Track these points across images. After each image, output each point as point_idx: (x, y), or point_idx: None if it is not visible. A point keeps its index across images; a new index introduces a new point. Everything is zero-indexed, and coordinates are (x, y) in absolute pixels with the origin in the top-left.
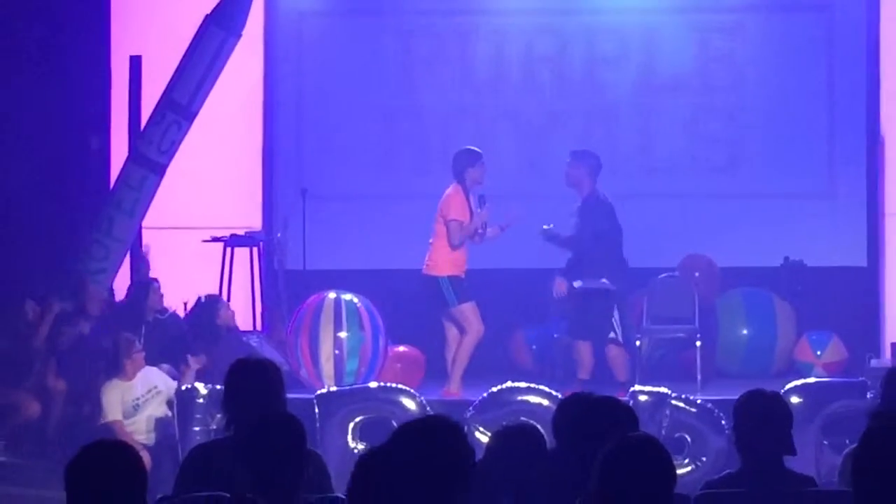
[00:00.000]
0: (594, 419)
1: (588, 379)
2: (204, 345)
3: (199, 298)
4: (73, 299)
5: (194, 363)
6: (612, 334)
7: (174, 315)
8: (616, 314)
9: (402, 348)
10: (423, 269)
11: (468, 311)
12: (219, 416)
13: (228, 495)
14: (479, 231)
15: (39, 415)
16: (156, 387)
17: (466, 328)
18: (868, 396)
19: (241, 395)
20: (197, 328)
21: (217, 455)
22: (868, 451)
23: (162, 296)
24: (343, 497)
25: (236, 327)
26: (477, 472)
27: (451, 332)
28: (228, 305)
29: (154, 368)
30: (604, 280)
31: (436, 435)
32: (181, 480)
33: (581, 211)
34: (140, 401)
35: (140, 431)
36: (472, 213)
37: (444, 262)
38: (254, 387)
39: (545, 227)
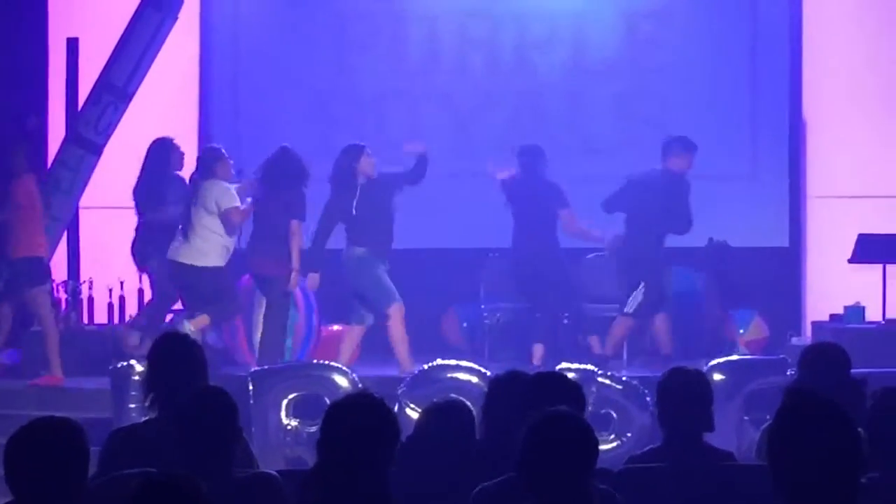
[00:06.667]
0: (525, 395)
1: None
2: None
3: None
4: None
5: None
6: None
7: None
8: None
9: (336, 327)
10: None
11: None
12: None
13: (157, 471)
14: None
15: None
16: None
17: None
18: (788, 374)
19: (167, 371)
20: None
21: (140, 439)
22: (781, 426)
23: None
24: (273, 473)
25: None
26: (407, 448)
27: None
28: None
29: None
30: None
31: (361, 411)
32: (101, 469)
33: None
34: None
35: None
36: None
37: None
38: (180, 363)
39: None
